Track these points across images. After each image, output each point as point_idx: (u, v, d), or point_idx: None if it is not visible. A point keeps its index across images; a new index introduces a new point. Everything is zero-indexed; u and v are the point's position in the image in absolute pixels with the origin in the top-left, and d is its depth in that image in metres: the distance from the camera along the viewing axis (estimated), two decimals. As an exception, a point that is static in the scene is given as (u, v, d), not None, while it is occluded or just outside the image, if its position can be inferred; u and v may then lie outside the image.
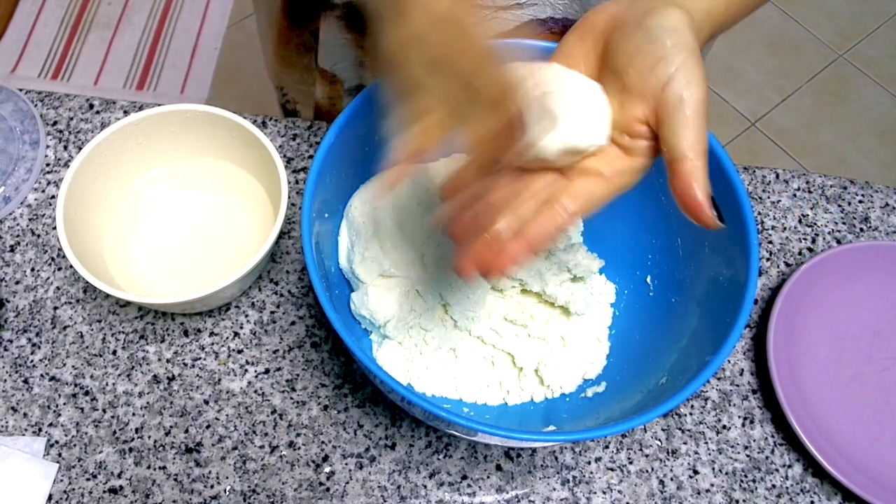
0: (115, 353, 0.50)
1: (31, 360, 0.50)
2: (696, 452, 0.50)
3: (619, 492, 0.48)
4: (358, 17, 0.57)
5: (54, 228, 0.54)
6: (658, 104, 0.31)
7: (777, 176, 0.61)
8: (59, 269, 0.53)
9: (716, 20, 0.34)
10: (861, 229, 0.59)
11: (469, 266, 0.33)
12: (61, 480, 0.47)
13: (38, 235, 0.54)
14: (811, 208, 0.59)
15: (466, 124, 0.31)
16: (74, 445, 0.48)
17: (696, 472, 0.49)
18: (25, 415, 0.48)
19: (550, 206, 0.33)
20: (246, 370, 0.50)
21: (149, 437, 0.48)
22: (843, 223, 0.59)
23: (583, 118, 0.32)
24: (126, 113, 0.58)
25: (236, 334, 0.51)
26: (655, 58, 0.31)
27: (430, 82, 0.32)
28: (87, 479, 0.47)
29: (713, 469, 0.50)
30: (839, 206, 0.60)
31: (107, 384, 0.49)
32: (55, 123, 0.58)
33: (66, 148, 0.57)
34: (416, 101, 0.33)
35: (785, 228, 0.59)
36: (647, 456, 0.50)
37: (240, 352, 0.51)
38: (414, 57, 0.32)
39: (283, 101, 0.75)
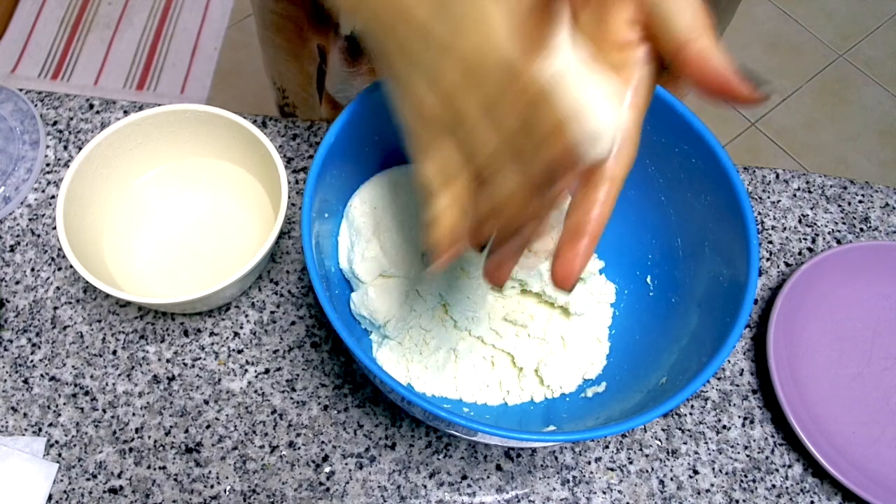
0: (115, 353, 0.50)
1: (31, 360, 0.50)
2: (696, 452, 0.50)
3: (619, 492, 0.48)
4: (356, 51, 0.57)
5: (54, 228, 0.54)
6: None
7: (777, 176, 0.61)
8: (59, 269, 0.53)
9: None
10: (861, 229, 0.59)
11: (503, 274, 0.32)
12: (61, 480, 0.47)
13: (38, 235, 0.54)
14: (811, 208, 0.59)
15: (505, 171, 0.27)
16: (74, 445, 0.48)
17: (696, 472, 0.49)
18: (25, 415, 0.48)
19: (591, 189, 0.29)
20: (246, 370, 0.50)
21: (149, 437, 0.48)
22: (843, 223, 0.59)
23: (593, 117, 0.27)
24: (126, 113, 0.58)
25: (236, 334, 0.51)
26: None
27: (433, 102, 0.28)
28: (87, 479, 0.47)
29: (713, 469, 0.50)
30: (839, 206, 0.60)
31: (107, 384, 0.49)
32: (55, 123, 0.58)
33: (66, 148, 0.57)
34: (431, 153, 0.29)
35: (785, 228, 0.59)
36: (647, 456, 0.50)
37: (240, 352, 0.51)
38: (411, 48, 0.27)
39: (282, 102, 0.75)
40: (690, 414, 0.51)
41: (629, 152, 0.29)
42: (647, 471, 0.49)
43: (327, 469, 0.48)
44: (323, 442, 0.49)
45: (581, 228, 0.29)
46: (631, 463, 0.49)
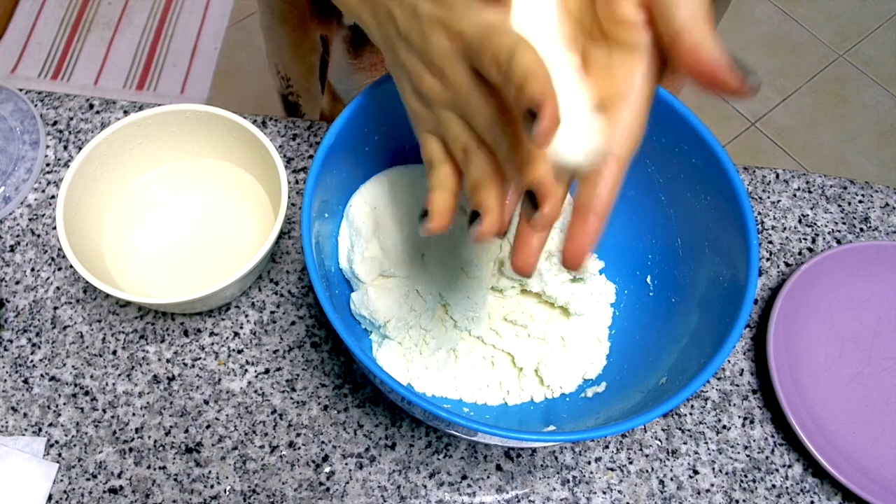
0: (115, 353, 0.50)
1: (31, 360, 0.50)
2: (696, 452, 0.50)
3: (619, 492, 0.48)
4: (359, 42, 0.57)
5: (54, 228, 0.54)
6: None
7: (777, 176, 0.61)
8: (59, 269, 0.53)
9: None
10: (861, 229, 0.59)
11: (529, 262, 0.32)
12: (61, 480, 0.47)
13: (38, 235, 0.54)
14: (811, 208, 0.59)
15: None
16: (74, 445, 0.48)
17: (696, 472, 0.49)
18: (25, 415, 0.48)
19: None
20: (246, 370, 0.50)
21: (149, 437, 0.48)
22: (843, 223, 0.59)
23: (568, 126, 0.27)
24: (126, 113, 0.58)
25: (236, 334, 0.51)
26: None
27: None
28: (87, 479, 0.47)
29: (713, 469, 0.50)
30: (839, 206, 0.60)
31: (107, 384, 0.49)
32: (55, 123, 0.58)
33: (66, 148, 0.57)
34: (434, 129, 0.32)
35: (785, 228, 0.59)
36: (647, 456, 0.50)
37: (240, 352, 0.51)
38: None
39: (285, 91, 0.75)
40: (690, 414, 0.51)
41: (633, 133, 0.29)
42: (647, 471, 0.49)
43: (327, 469, 0.48)
44: (323, 442, 0.49)
45: (587, 204, 0.29)
46: (631, 463, 0.49)
